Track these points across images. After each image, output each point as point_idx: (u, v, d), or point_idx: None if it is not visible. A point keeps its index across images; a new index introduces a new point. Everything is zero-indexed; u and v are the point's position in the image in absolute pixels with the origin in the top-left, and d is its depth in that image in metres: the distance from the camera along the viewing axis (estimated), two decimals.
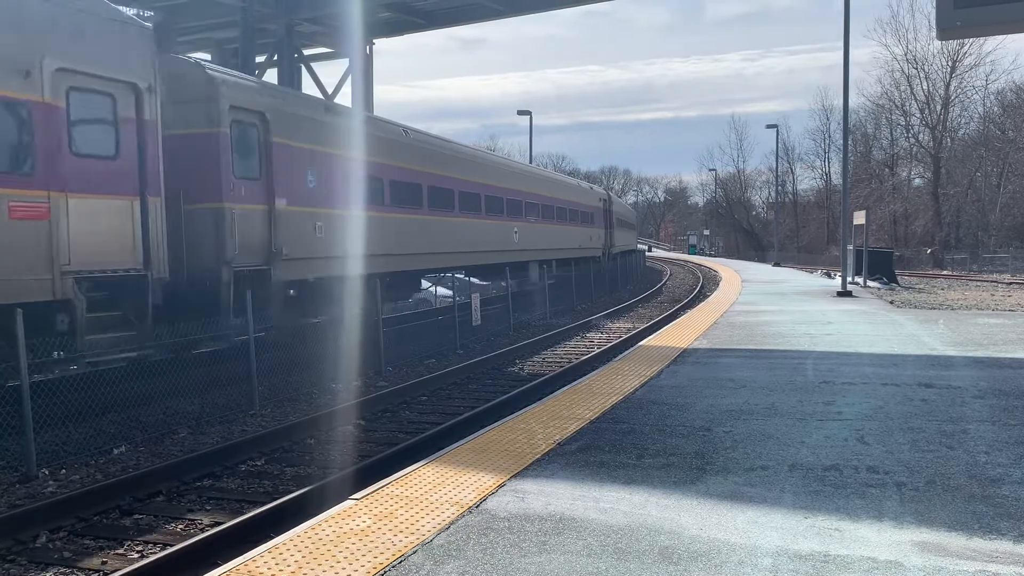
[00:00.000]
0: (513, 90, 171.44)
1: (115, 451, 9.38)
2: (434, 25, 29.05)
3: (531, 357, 17.02)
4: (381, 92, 41.84)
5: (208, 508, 7.65)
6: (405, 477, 5.99)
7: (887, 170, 74.96)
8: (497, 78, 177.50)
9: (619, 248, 44.20)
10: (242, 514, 7.09)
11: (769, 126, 63.62)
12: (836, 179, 79.64)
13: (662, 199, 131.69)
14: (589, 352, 17.23)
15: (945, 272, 51.67)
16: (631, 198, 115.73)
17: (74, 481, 8.35)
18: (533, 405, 8.62)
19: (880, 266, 32.68)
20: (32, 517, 7.03)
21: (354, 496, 5.59)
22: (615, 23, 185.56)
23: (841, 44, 25.27)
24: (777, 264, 55.42)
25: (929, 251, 62.82)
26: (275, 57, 28.60)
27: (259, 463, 9.09)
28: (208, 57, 30.54)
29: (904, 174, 75.13)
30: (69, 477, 8.48)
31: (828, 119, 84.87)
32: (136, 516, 7.44)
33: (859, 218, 30.68)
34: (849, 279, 26.61)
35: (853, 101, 73.94)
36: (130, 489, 7.85)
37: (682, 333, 14.84)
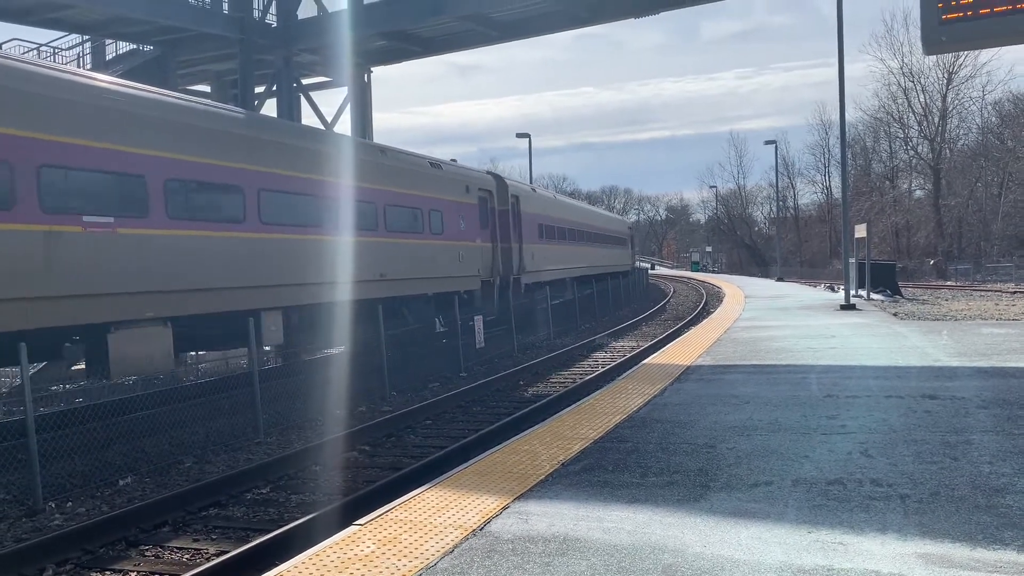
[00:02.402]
0: (510, 114, 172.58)
1: (121, 482, 9.39)
2: (430, 52, 29.36)
3: (535, 378, 17.02)
4: (380, 119, 42.31)
5: (214, 537, 7.66)
6: (409, 501, 5.99)
7: (887, 183, 75.13)
8: (493, 102, 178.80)
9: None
10: (248, 542, 7.09)
11: (768, 142, 63.75)
12: (837, 193, 79.78)
13: (664, 217, 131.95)
14: (593, 372, 17.22)
15: (949, 283, 51.59)
16: (633, 217, 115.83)
17: (80, 513, 8.36)
18: (537, 426, 8.62)
19: (883, 278, 32.66)
20: (39, 551, 7.04)
21: (358, 521, 5.60)
22: (609, 45, 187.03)
23: (836, 60, 25.34)
24: (780, 279, 55.42)
25: (932, 262, 62.77)
26: (274, 88, 28.89)
27: (264, 491, 9.10)
28: (208, 89, 30.86)
29: (905, 186, 75.29)
30: (75, 509, 8.49)
31: (827, 134, 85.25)
32: (142, 547, 7.45)
33: (860, 231, 30.70)
34: (852, 292, 26.59)
35: (851, 115, 74.23)
36: (136, 520, 7.85)
37: (686, 350, 14.84)
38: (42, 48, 28.70)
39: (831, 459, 6.66)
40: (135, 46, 28.24)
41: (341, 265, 15.11)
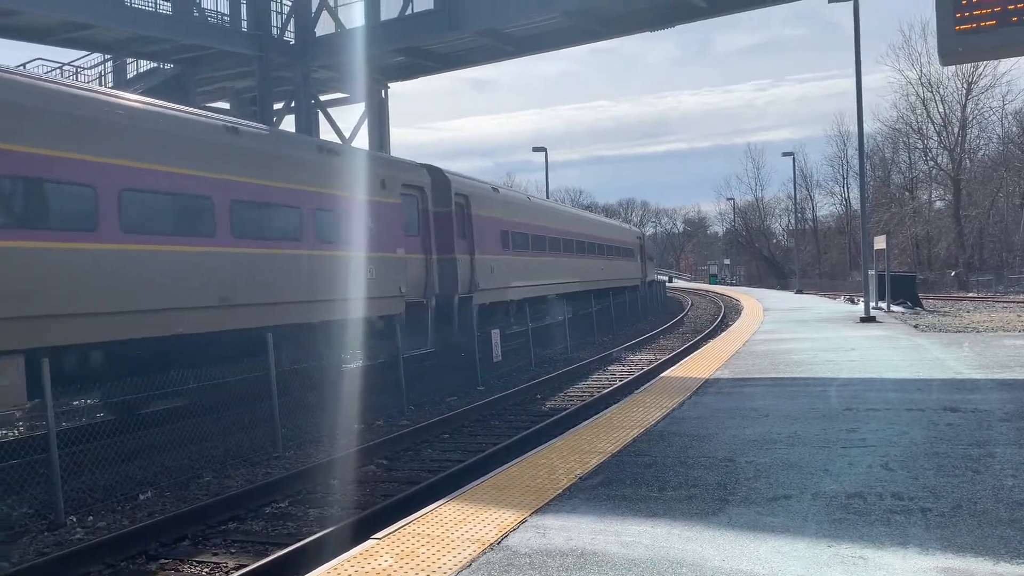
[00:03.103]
0: (525, 128, 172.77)
1: (141, 496, 9.45)
2: (447, 67, 29.53)
3: (552, 392, 17.00)
4: (397, 135, 42.48)
5: (233, 551, 7.68)
6: (426, 515, 6.00)
7: (907, 194, 74.63)
8: (508, 117, 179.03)
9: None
10: (266, 556, 7.11)
11: (785, 154, 63.46)
12: (856, 204, 79.16)
13: (681, 229, 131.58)
14: (611, 385, 17.18)
15: (970, 294, 51.13)
16: (650, 229, 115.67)
17: (101, 527, 8.41)
18: (554, 440, 8.61)
19: (903, 290, 32.41)
20: (60, 565, 7.09)
21: (376, 535, 5.61)
22: (624, 59, 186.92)
23: (853, 71, 25.30)
24: (799, 291, 55.08)
25: (953, 273, 62.25)
26: (292, 104, 29.15)
27: (283, 505, 9.12)
28: (227, 106, 31.19)
29: (924, 197, 74.72)
30: (96, 523, 8.55)
31: (845, 145, 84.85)
32: (162, 561, 7.48)
33: (879, 243, 30.50)
34: (872, 304, 26.40)
35: (869, 126, 74.05)
36: (156, 534, 7.89)
37: (704, 363, 14.78)
38: (65, 67, 29.13)
39: (851, 472, 6.60)
40: (155, 64, 28.60)
41: (131, 287, 10.92)
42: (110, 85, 28.25)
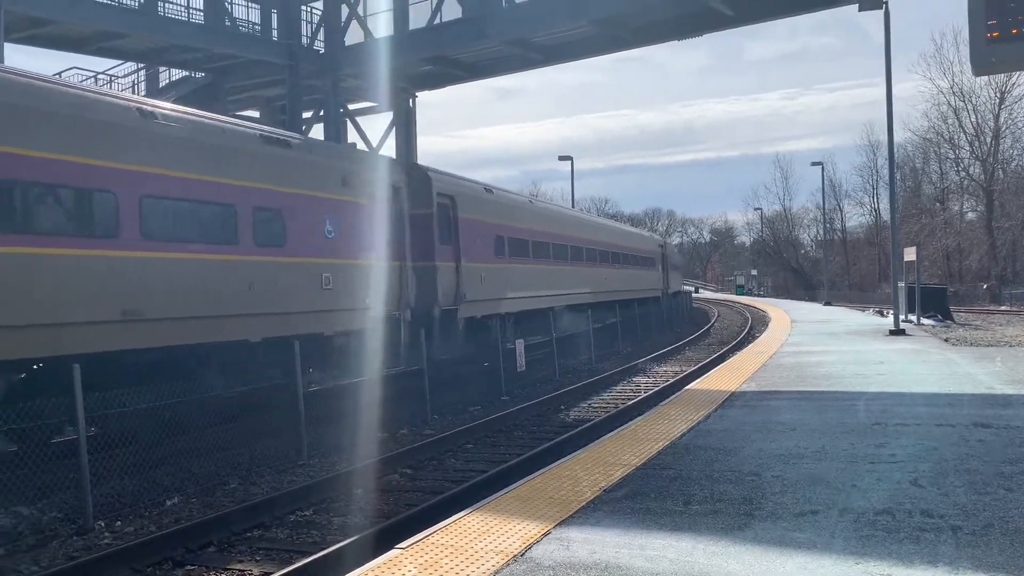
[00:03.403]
0: (551, 136, 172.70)
1: (168, 502, 9.53)
2: (474, 76, 29.66)
3: (576, 402, 16.95)
4: (424, 143, 42.60)
5: (258, 558, 7.73)
6: (450, 526, 6.00)
7: (938, 204, 73.72)
8: (535, 125, 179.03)
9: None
10: (290, 564, 7.15)
11: (814, 163, 63.06)
12: (886, 215, 78.45)
13: (708, 240, 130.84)
14: (635, 397, 17.10)
15: (1002, 308, 50.36)
16: (676, 239, 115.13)
17: (128, 533, 8.50)
18: (578, 452, 8.58)
19: (934, 303, 32.00)
20: (88, 569, 7.17)
21: (400, 545, 5.62)
22: (651, 67, 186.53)
23: (883, 80, 25.06)
24: (827, 303, 54.53)
25: (985, 286, 61.33)
26: (321, 112, 29.42)
27: (307, 513, 9.16)
28: (257, 114, 31.54)
29: (956, 208, 73.74)
30: (124, 529, 8.64)
31: (875, 154, 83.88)
32: (188, 567, 7.55)
33: (910, 254, 30.16)
34: (902, 317, 26.09)
35: (899, 136, 73.21)
36: (182, 540, 7.96)
37: (730, 376, 14.68)
38: (99, 76, 29.61)
39: (880, 488, 6.52)
40: (187, 73, 28.99)
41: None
42: (143, 94, 28.65)
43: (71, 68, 29.22)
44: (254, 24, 27.67)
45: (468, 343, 17.25)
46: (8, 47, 20.40)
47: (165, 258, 11.28)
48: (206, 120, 12.73)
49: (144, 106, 11.78)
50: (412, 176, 17.48)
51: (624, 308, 30.78)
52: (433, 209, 17.65)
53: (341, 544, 7.49)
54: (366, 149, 17.93)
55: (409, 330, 16.30)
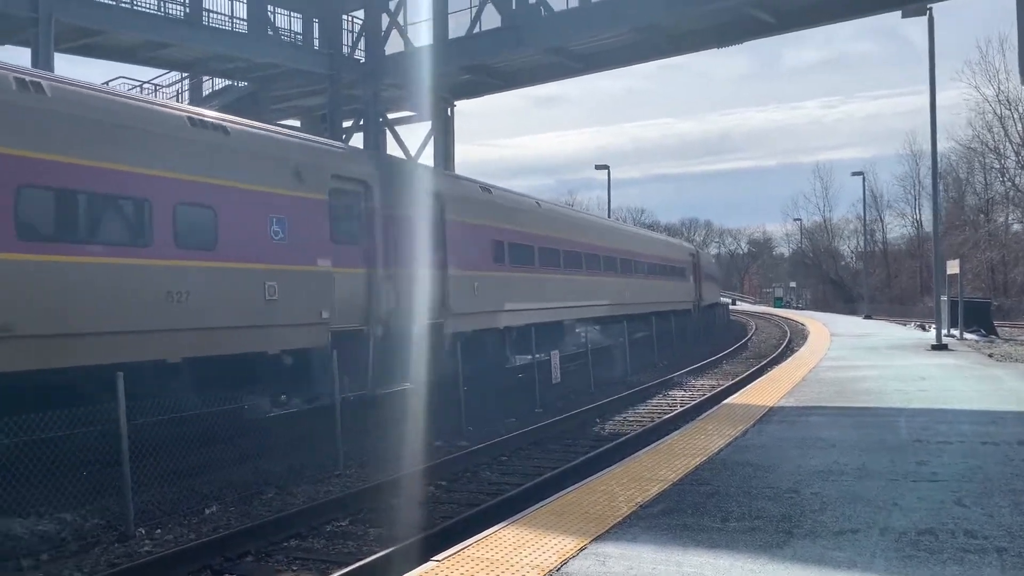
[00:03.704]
0: (588, 145, 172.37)
1: (207, 511, 9.65)
2: (513, 85, 29.82)
3: (612, 416, 16.87)
4: (462, 152, 42.64)
5: (295, 568, 7.79)
6: (486, 539, 6.00)
7: (982, 216, 72.32)
8: (573, 133, 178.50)
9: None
10: (327, 575, 7.20)
11: (855, 173, 62.25)
12: (928, 226, 77.17)
13: (745, 250, 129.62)
14: (671, 411, 16.98)
15: None
16: (713, 249, 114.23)
17: (168, 540, 8.61)
18: (614, 466, 8.55)
19: (977, 317, 31.40)
20: None
21: (435, 558, 5.64)
22: (690, 75, 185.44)
23: (925, 87, 24.72)
24: (868, 316, 53.74)
25: None
26: (361, 122, 29.75)
27: (344, 523, 9.22)
28: (298, 123, 31.97)
29: (1001, 219, 72.28)
30: (164, 536, 8.76)
31: (917, 164, 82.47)
32: (226, 575, 7.63)
33: (953, 267, 29.64)
34: (944, 332, 25.64)
35: (943, 145, 71.93)
36: (221, 549, 8.04)
37: (768, 390, 14.53)
38: (144, 85, 30.21)
39: (922, 507, 6.42)
40: (230, 82, 29.49)
41: None
42: (187, 102, 29.18)
43: (118, 77, 29.86)
44: (296, 33, 28.09)
45: (458, 361, 15.17)
46: (58, 57, 20.92)
47: (48, 262, 9.46)
48: (113, 97, 11.03)
49: (52, 78, 10.33)
50: (386, 172, 15.17)
51: (648, 322, 28.98)
52: (412, 210, 15.63)
53: (377, 555, 7.53)
54: (353, 146, 14.86)
55: (380, 347, 14.28)
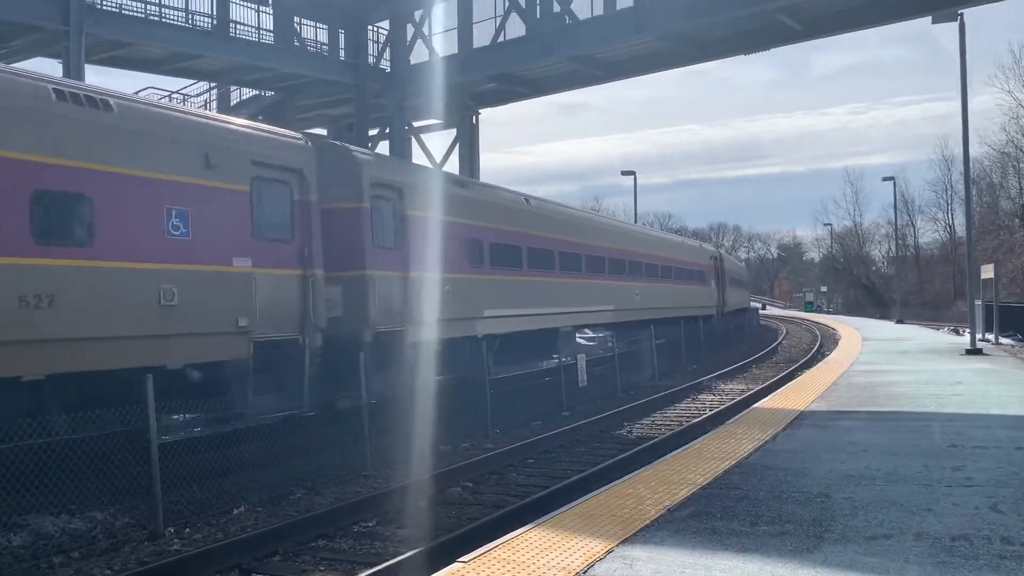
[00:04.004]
0: (613, 151, 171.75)
1: (235, 511, 9.70)
2: (537, 93, 29.80)
3: (639, 419, 16.77)
4: (486, 159, 42.52)
5: (322, 568, 7.81)
6: (512, 541, 5.97)
7: (1017, 221, 71.13)
8: (597, 140, 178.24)
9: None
10: (353, 575, 7.20)
11: (886, 178, 61.45)
12: (960, 231, 76.09)
13: (775, 255, 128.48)
14: (700, 415, 16.85)
15: None
16: (743, 254, 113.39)
17: (197, 540, 8.67)
18: (642, 469, 8.49)
19: (1013, 322, 30.86)
20: (159, 574, 7.33)
21: (461, 559, 5.61)
22: (716, 82, 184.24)
23: (956, 93, 24.39)
24: (900, 321, 53.07)
25: None
26: (387, 130, 29.91)
27: (371, 524, 9.23)
28: (324, 132, 32.19)
29: None
30: (192, 536, 8.82)
31: (949, 169, 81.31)
32: (254, 575, 7.66)
33: (987, 272, 29.20)
34: (979, 336, 25.24)
35: (975, 150, 70.87)
36: (249, 549, 8.08)
37: (798, 395, 14.37)
38: (173, 95, 30.57)
39: (956, 513, 6.30)
40: (257, 92, 29.76)
41: None
42: (214, 111, 29.49)
43: (147, 88, 30.14)
44: (322, 44, 28.29)
45: (425, 372, 13.95)
46: (88, 68, 21.23)
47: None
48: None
49: None
50: (326, 159, 13.41)
51: (672, 328, 27.55)
52: (364, 203, 13.83)
53: (403, 556, 7.52)
54: (287, 130, 12.58)
55: (319, 359, 12.62)
